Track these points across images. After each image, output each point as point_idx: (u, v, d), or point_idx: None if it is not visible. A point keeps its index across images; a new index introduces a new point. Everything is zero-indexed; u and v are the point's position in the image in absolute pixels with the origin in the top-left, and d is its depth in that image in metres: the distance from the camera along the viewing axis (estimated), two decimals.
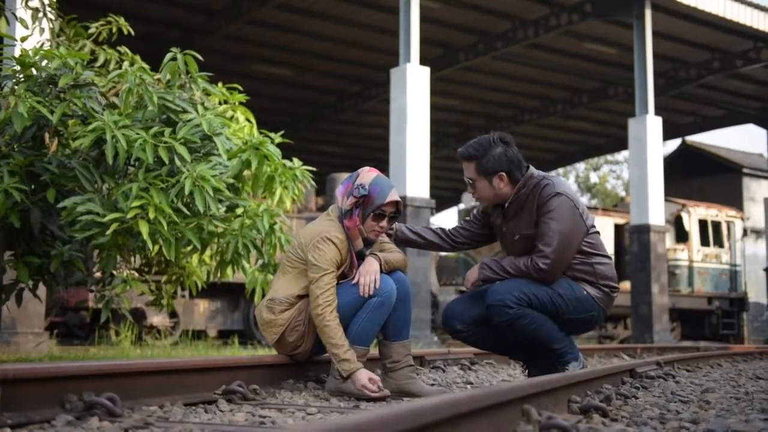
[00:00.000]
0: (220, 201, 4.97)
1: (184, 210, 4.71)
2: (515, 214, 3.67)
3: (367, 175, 3.54)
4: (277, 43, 17.60)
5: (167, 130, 4.68)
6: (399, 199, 3.53)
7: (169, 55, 5.01)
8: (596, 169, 40.20)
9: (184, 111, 4.89)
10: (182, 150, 4.58)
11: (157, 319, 11.68)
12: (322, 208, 14.61)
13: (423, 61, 12.49)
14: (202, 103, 5.14)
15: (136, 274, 5.84)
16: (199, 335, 11.76)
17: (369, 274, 3.42)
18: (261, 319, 3.55)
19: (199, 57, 5.09)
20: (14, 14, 6.00)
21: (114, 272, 5.44)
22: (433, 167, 13.19)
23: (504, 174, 3.61)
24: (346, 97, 21.35)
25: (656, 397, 3.24)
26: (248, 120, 6.12)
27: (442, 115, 22.14)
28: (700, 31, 16.92)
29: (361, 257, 3.51)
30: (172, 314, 11.98)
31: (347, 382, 3.32)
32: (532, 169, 3.71)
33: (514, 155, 3.65)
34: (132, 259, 5.42)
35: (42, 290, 5.56)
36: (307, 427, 1.19)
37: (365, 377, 3.28)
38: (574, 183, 40.76)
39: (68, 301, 10.70)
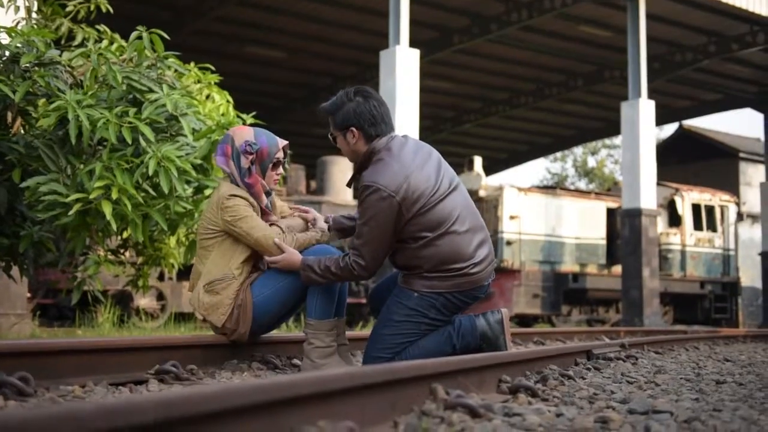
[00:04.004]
0: (188, 182, 4.94)
1: (150, 191, 4.69)
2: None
3: (244, 132, 3.52)
4: (270, 25, 17.49)
5: (132, 110, 4.65)
6: (287, 141, 3.61)
7: (134, 34, 4.97)
8: (594, 153, 40.05)
9: (151, 90, 4.85)
10: (146, 130, 4.55)
11: (145, 301, 11.65)
12: (313, 192, 14.56)
13: (417, 44, 12.40)
14: (171, 83, 5.09)
15: (111, 255, 5.82)
16: (187, 317, 11.76)
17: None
18: (202, 305, 3.40)
19: (166, 36, 5.04)
20: None
21: (89, 253, 5.41)
22: None
23: (354, 129, 3.39)
24: (341, 79, 21.24)
25: (604, 378, 3.22)
26: (227, 100, 6.08)
27: (436, 98, 22.05)
28: (696, 15, 16.81)
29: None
30: (160, 296, 11.98)
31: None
32: (386, 140, 3.37)
33: (366, 110, 3.38)
34: (106, 240, 5.39)
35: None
36: None
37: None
38: (571, 167, 40.61)
39: (54, 282, 10.69)
